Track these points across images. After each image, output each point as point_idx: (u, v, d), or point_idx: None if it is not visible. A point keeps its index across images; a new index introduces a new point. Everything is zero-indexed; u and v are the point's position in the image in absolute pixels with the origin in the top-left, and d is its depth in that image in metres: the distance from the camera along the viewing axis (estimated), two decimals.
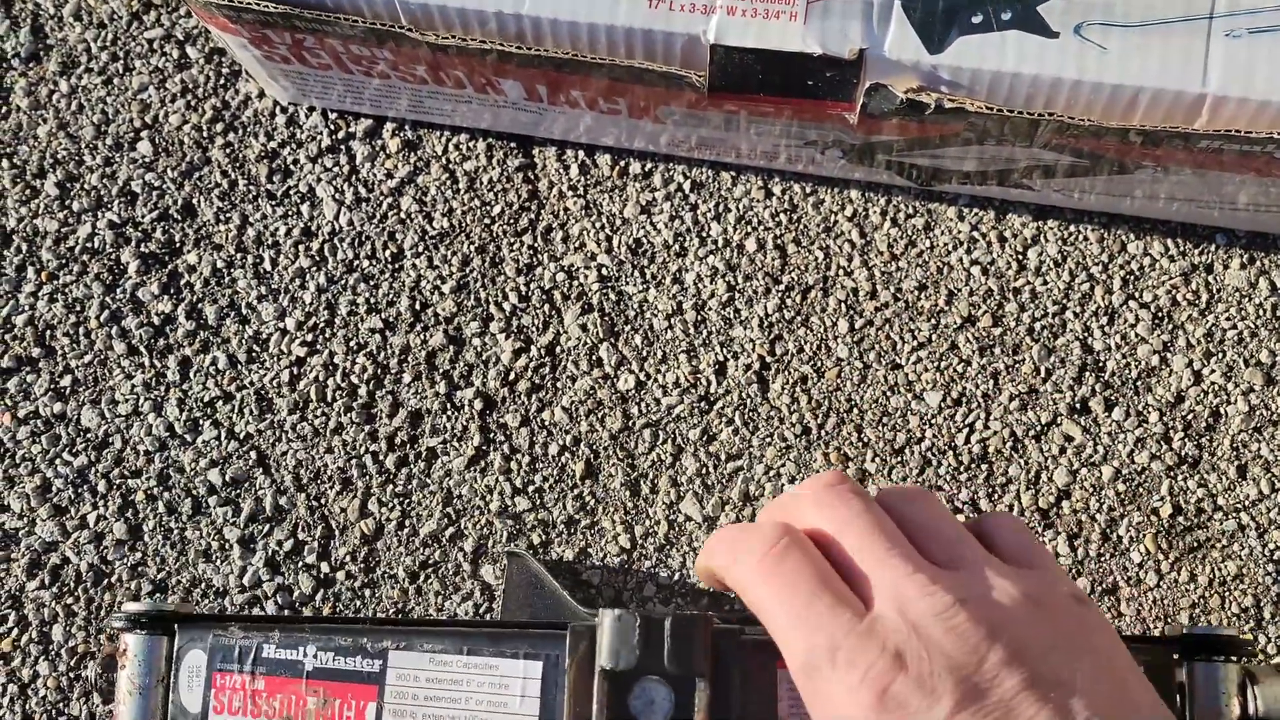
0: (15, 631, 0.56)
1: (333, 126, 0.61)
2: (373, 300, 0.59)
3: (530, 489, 0.56)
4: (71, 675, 0.55)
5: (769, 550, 0.34)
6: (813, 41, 0.47)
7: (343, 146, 0.61)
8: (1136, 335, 0.57)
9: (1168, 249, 0.57)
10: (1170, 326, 0.57)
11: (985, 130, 0.50)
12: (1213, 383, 0.56)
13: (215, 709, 0.44)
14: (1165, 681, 0.43)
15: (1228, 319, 0.56)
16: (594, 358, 0.58)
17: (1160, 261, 0.57)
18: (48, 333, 0.60)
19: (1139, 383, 0.56)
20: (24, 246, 0.61)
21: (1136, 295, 0.57)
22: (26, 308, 0.60)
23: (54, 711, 0.55)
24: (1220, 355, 0.56)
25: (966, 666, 0.31)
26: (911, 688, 0.31)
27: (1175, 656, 0.43)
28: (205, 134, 0.62)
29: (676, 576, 0.55)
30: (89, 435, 0.58)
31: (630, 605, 0.55)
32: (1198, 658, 0.43)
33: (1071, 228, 0.58)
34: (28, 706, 0.55)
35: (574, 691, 0.38)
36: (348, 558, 0.56)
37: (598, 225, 0.59)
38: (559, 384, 0.58)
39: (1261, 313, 0.57)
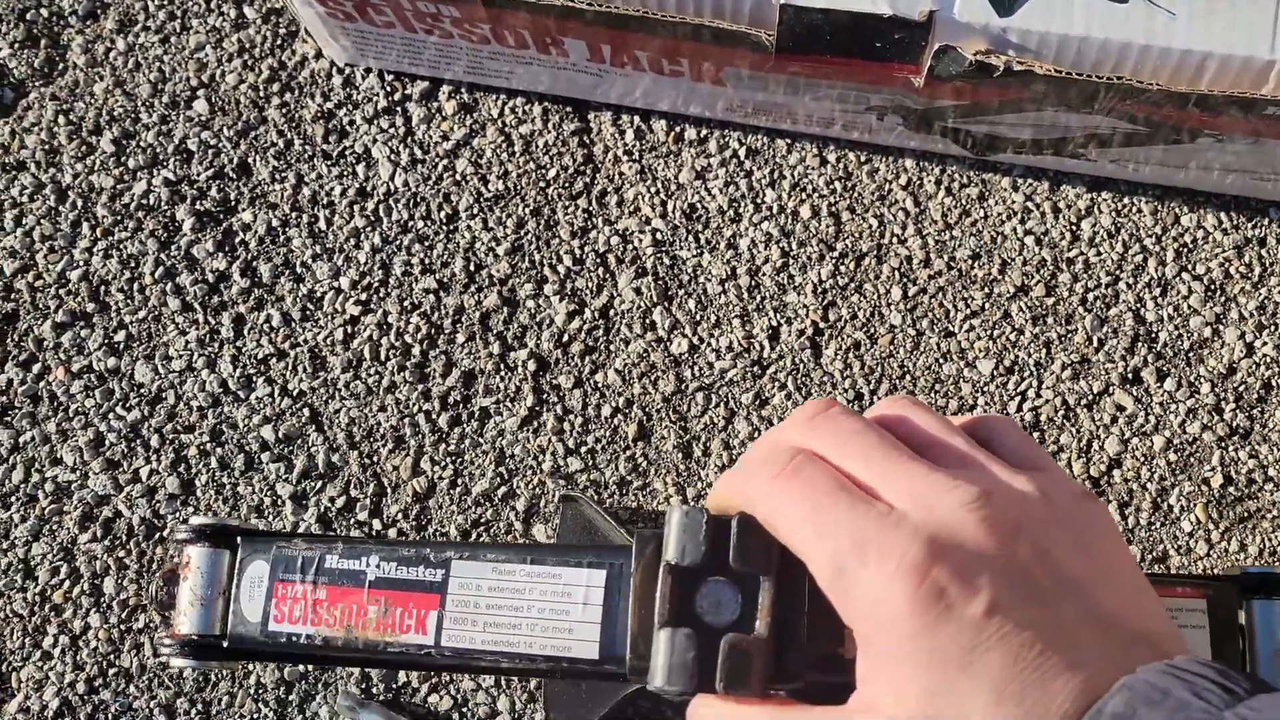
0: (67, 584, 0.56)
1: (389, 88, 0.61)
2: (427, 261, 0.59)
3: (583, 450, 0.57)
4: (123, 628, 0.56)
5: (783, 468, 0.33)
6: (883, 2, 0.47)
7: (399, 108, 0.61)
8: (1189, 307, 0.57)
9: (1221, 222, 0.58)
10: (1223, 299, 0.57)
11: (1047, 95, 0.50)
12: (1265, 355, 0.56)
13: (275, 618, 0.44)
14: (1229, 621, 0.43)
15: None
16: (647, 321, 0.58)
17: (1214, 234, 0.58)
18: (102, 288, 0.60)
19: (1191, 354, 0.57)
20: (79, 202, 0.61)
21: (1190, 267, 0.57)
22: (81, 263, 0.60)
23: (105, 663, 0.55)
24: (1273, 328, 0.56)
25: (999, 559, 0.30)
26: (949, 576, 0.30)
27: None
28: (261, 94, 0.62)
29: None
30: (142, 390, 0.58)
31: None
32: (1256, 596, 0.44)
33: (1126, 199, 0.58)
34: (79, 658, 0.55)
35: (640, 594, 0.38)
36: (399, 515, 0.56)
37: (652, 190, 0.60)
38: (612, 346, 0.58)
39: None
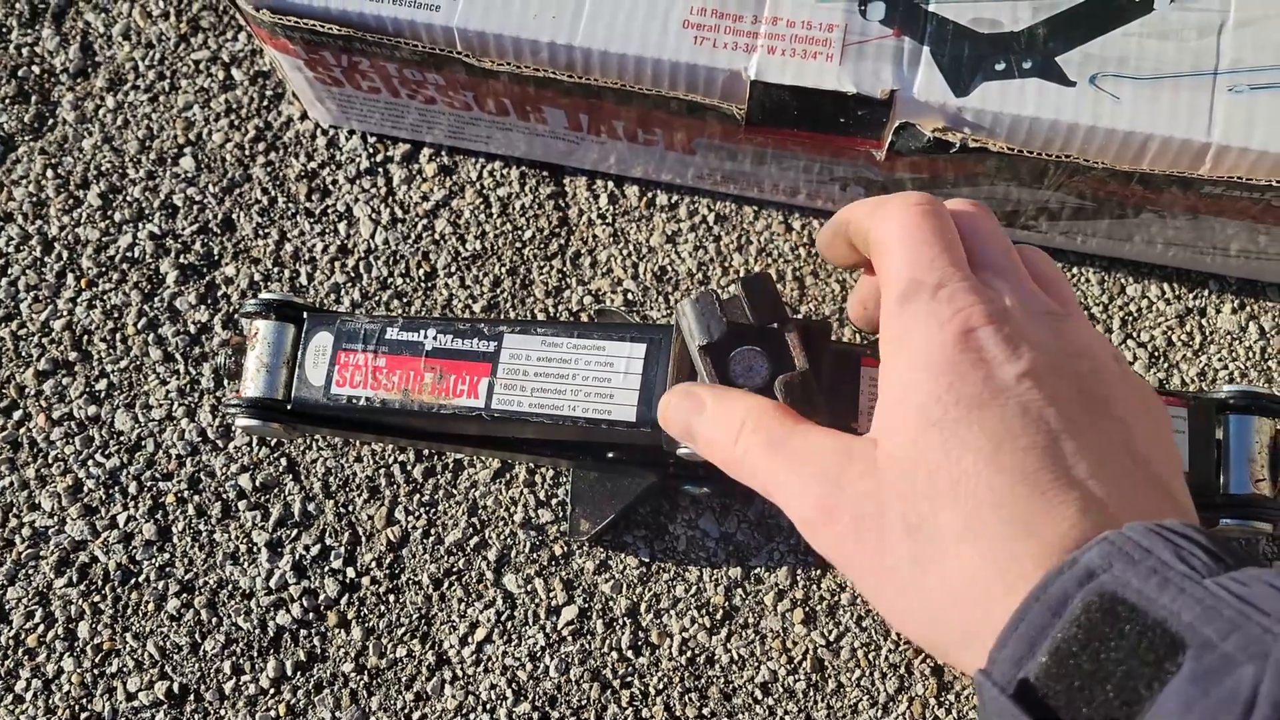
0: (41, 628, 0.57)
1: (371, 150, 0.64)
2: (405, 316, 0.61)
3: (554, 502, 0.58)
4: (96, 672, 0.56)
5: (919, 203, 0.36)
6: (847, 81, 0.50)
7: (380, 169, 0.63)
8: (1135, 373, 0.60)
9: (1164, 292, 0.61)
10: (1166, 365, 0.60)
11: (1000, 171, 0.53)
12: None
13: (337, 382, 0.47)
14: (1206, 431, 0.48)
15: (1219, 360, 0.60)
16: None
17: (1157, 304, 0.61)
18: (85, 337, 0.61)
19: None
20: (64, 254, 0.62)
21: (1135, 335, 0.60)
22: (65, 313, 0.61)
23: (77, 707, 0.56)
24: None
25: (1055, 356, 0.32)
26: (997, 340, 0.32)
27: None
28: (247, 152, 0.64)
29: (693, 589, 0.57)
30: (122, 438, 0.60)
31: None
32: (1232, 411, 0.48)
33: (1074, 269, 0.61)
34: (50, 702, 0.56)
35: (678, 360, 0.42)
36: (373, 563, 0.58)
37: (625, 253, 0.62)
38: None
39: (1251, 355, 0.60)
